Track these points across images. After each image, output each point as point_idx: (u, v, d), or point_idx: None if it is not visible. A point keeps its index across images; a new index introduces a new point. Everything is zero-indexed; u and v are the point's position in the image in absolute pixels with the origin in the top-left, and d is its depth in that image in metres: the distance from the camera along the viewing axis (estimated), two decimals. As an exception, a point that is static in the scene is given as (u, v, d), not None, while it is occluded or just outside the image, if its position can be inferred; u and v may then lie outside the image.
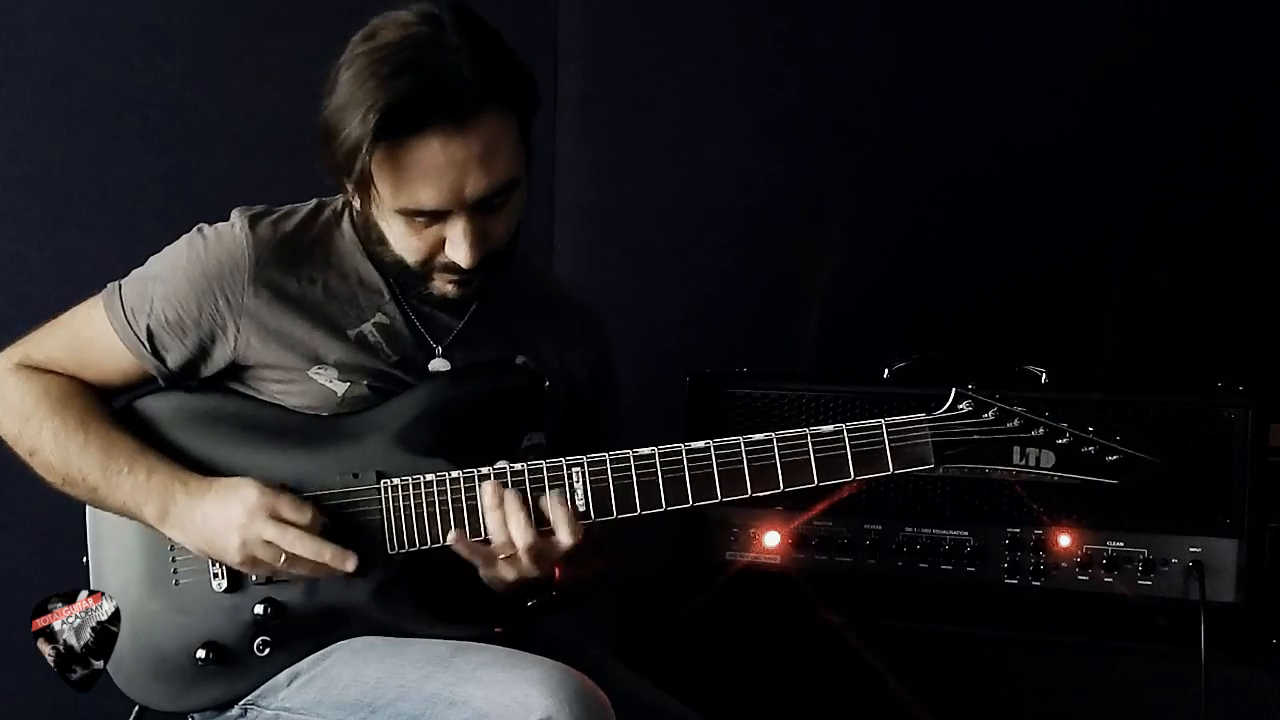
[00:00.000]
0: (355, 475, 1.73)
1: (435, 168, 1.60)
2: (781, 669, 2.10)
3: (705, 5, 2.90)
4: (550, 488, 1.67)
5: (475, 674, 1.60)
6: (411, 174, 1.61)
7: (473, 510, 1.69)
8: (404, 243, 1.70)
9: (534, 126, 1.71)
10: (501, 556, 1.66)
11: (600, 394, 1.97)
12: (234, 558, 1.68)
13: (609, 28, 2.95)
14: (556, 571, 1.77)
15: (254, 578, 1.74)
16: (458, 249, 1.66)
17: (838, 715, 2.07)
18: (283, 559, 1.66)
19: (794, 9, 2.84)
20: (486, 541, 1.67)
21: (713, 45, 2.88)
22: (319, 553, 1.65)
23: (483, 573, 1.70)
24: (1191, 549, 1.99)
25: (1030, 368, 2.12)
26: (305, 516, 1.66)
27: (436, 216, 1.65)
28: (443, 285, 1.73)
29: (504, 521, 1.65)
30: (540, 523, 1.65)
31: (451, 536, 1.67)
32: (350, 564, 1.65)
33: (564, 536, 1.65)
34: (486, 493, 1.66)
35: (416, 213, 1.65)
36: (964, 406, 1.65)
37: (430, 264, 1.71)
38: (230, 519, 1.67)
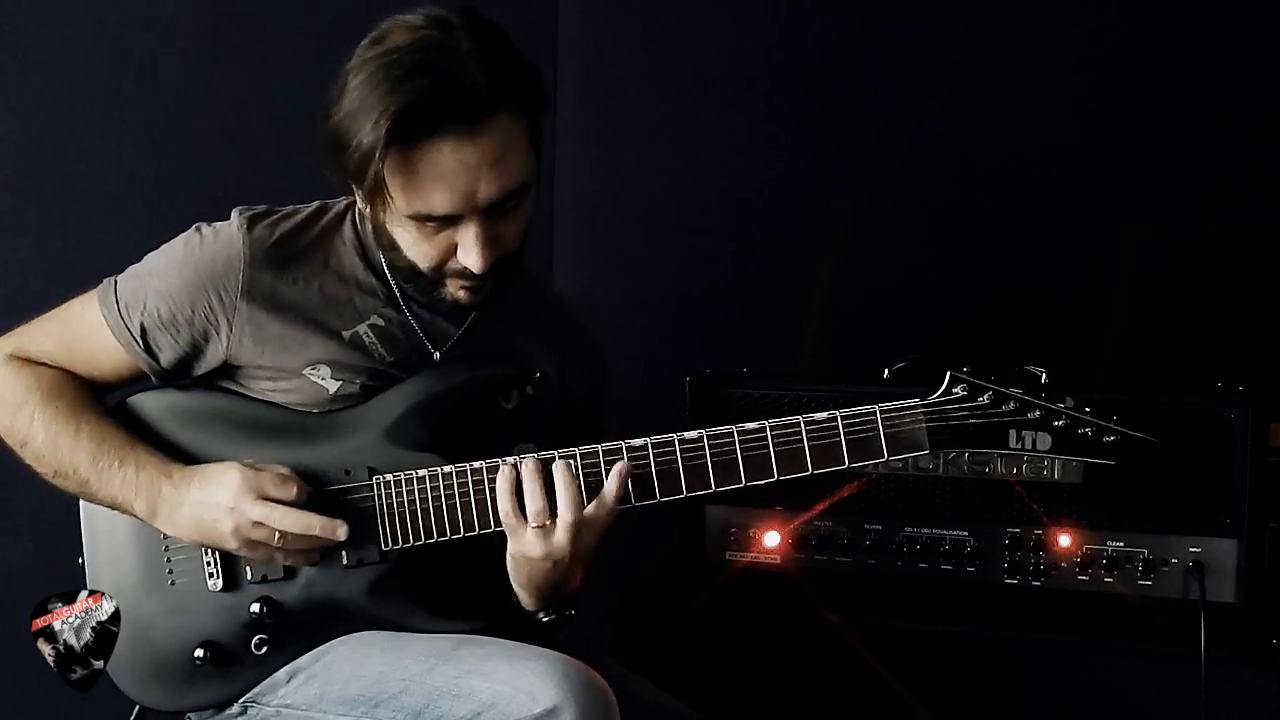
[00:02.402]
0: (347, 472, 1.73)
1: (448, 172, 1.59)
2: (781, 669, 2.10)
3: (705, 5, 2.90)
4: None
5: (480, 666, 1.60)
6: (424, 179, 1.60)
7: (465, 506, 1.69)
8: (416, 248, 1.69)
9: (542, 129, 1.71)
10: (534, 525, 1.64)
11: (592, 410, 1.96)
12: (230, 543, 1.69)
13: (609, 28, 2.95)
14: (582, 580, 1.77)
15: (249, 576, 1.75)
16: (470, 253, 1.65)
17: (838, 715, 2.07)
18: (277, 536, 1.66)
19: (794, 9, 2.84)
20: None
21: (712, 45, 2.88)
22: (307, 525, 1.65)
23: (511, 548, 1.69)
24: (1191, 549, 1.99)
25: (1030, 368, 2.11)
26: (290, 491, 1.67)
27: (448, 221, 1.64)
28: (455, 290, 1.72)
29: (540, 491, 1.63)
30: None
31: (501, 477, 1.65)
32: (341, 532, 1.66)
33: (611, 487, 1.63)
34: (528, 465, 1.65)
35: (428, 218, 1.63)
36: (958, 390, 1.64)
37: (442, 269, 1.70)
38: (218, 505, 1.67)
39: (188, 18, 2.63)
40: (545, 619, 1.76)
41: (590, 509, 1.64)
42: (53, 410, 1.75)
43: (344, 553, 1.72)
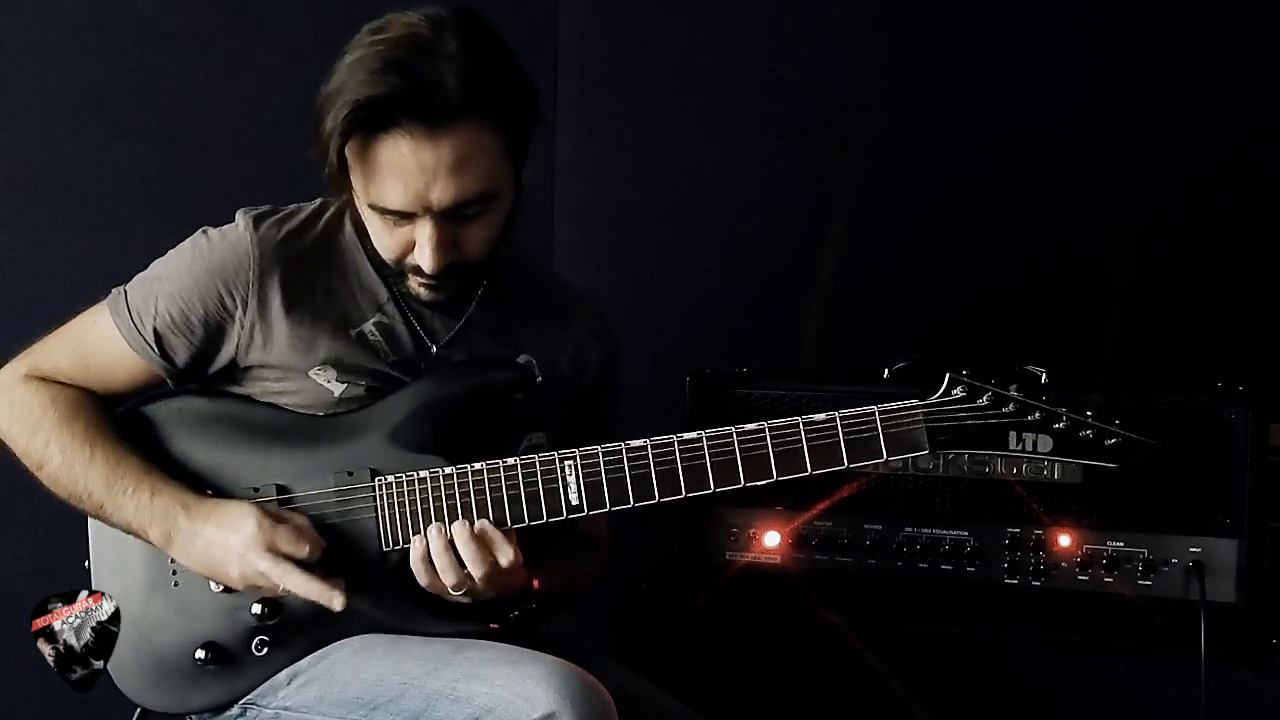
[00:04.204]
0: (349, 474, 1.73)
1: (402, 169, 1.61)
2: (781, 669, 2.10)
3: (704, 6, 2.90)
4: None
5: (478, 670, 1.60)
6: (380, 171, 1.62)
7: (466, 508, 1.69)
8: (379, 238, 1.72)
9: (533, 138, 1.71)
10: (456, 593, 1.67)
11: (603, 395, 1.96)
12: (235, 584, 1.71)
13: (609, 28, 2.96)
14: (535, 583, 1.77)
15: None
16: (423, 252, 1.67)
17: (838, 715, 2.07)
18: (280, 588, 1.68)
19: (794, 9, 2.84)
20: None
21: (712, 45, 2.88)
22: (307, 590, 1.66)
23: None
24: (1191, 549, 1.99)
25: (1030, 368, 2.11)
26: (302, 550, 1.67)
27: (406, 217, 1.66)
28: (416, 286, 1.74)
29: (453, 560, 1.65)
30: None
31: (414, 552, 1.67)
32: (337, 603, 1.65)
33: (501, 556, 1.65)
34: (433, 536, 1.66)
35: (385, 210, 1.66)
36: (958, 392, 1.64)
37: (402, 263, 1.72)
38: (229, 549, 1.68)
39: (187, 18, 2.62)
40: (511, 616, 1.77)
41: (492, 567, 1.65)
42: (68, 434, 1.75)
43: (343, 556, 1.72)
